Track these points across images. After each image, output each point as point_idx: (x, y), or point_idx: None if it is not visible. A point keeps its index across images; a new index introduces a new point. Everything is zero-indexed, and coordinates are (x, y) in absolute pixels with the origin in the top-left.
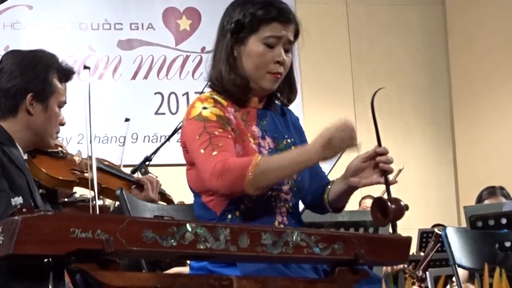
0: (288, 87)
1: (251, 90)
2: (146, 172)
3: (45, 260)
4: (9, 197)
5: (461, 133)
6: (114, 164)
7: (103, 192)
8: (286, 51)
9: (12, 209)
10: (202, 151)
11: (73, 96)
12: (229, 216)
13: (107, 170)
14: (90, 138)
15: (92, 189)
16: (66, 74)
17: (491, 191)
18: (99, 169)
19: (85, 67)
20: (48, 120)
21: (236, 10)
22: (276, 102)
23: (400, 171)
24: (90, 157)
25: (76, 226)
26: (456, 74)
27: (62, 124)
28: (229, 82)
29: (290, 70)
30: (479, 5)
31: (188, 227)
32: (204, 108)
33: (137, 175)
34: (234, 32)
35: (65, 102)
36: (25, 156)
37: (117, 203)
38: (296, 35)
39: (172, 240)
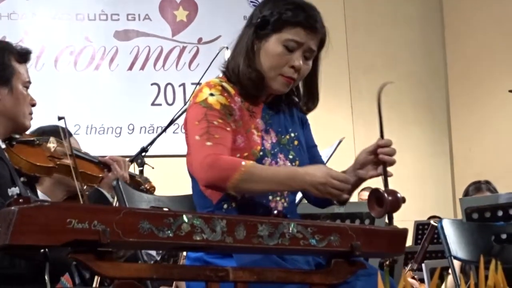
0: (308, 96)
1: (265, 87)
2: (142, 163)
3: (41, 250)
4: None
5: (457, 124)
6: (80, 149)
7: (83, 176)
8: (306, 58)
9: (9, 199)
10: (197, 137)
11: (70, 88)
12: (225, 206)
13: (82, 156)
14: (65, 125)
15: (73, 175)
16: (22, 54)
17: (477, 186)
18: (76, 157)
19: (60, 118)
20: (17, 101)
21: (267, 5)
22: (288, 105)
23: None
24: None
25: (73, 216)
26: (453, 65)
27: (33, 105)
28: (245, 76)
29: (312, 80)
30: None
31: (185, 218)
32: (211, 94)
33: (134, 166)
34: (258, 27)
35: (29, 82)
36: (3, 145)
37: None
38: (321, 45)
39: (169, 231)
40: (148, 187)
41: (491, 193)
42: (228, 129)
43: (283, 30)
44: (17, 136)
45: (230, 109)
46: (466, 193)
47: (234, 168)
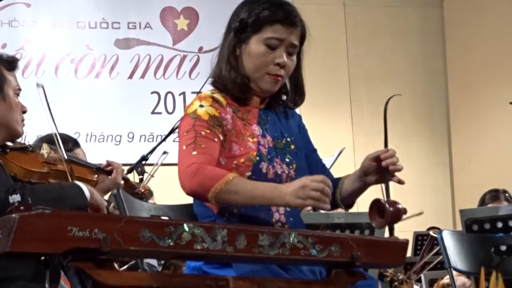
0: (295, 91)
1: (251, 90)
2: (142, 172)
3: (42, 258)
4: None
5: (457, 135)
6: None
7: (78, 181)
8: (290, 54)
9: (10, 206)
10: (184, 147)
11: (70, 96)
12: (226, 215)
13: (75, 160)
14: (56, 129)
15: (68, 178)
16: (10, 62)
17: (494, 195)
18: (69, 161)
19: (39, 86)
20: (9, 108)
21: (243, 9)
22: (280, 104)
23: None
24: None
25: (74, 224)
26: (453, 77)
27: (24, 112)
28: (229, 81)
29: (297, 74)
30: (477, 9)
31: (186, 227)
32: (201, 106)
33: (134, 174)
34: (237, 31)
35: (19, 89)
36: None
37: None
38: (302, 40)
39: (169, 240)
40: (143, 190)
41: (508, 202)
42: (216, 139)
43: (263, 30)
44: (10, 144)
45: (219, 120)
46: (483, 201)
47: (218, 177)
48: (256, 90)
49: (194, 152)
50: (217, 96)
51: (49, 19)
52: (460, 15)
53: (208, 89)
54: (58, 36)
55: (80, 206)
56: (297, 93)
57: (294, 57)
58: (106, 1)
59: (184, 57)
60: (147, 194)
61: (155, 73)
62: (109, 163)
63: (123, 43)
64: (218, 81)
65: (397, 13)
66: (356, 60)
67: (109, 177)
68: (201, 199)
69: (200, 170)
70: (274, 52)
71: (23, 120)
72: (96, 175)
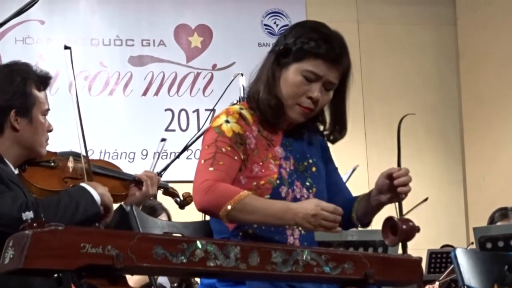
0: (335, 126)
1: (284, 115)
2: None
3: (55, 275)
4: (12, 194)
5: (471, 153)
6: (108, 163)
7: None
8: (327, 89)
9: (23, 223)
10: (202, 161)
11: (84, 113)
12: (241, 233)
13: (102, 173)
14: (84, 141)
15: None
16: (43, 81)
17: (504, 213)
18: (94, 173)
19: (66, 47)
20: (35, 131)
21: (291, 33)
22: (310, 132)
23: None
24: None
25: (87, 241)
26: (467, 94)
27: (50, 131)
28: (265, 102)
29: (339, 109)
30: (491, 26)
31: (199, 244)
32: (227, 121)
33: None
34: (280, 55)
35: (48, 109)
36: (16, 171)
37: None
38: (344, 77)
39: (182, 257)
40: (185, 196)
41: None
42: (235, 158)
43: (304, 60)
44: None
45: (243, 138)
46: (492, 219)
47: (230, 195)
48: (285, 115)
49: (211, 168)
50: (245, 112)
51: (63, 36)
52: (474, 33)
53: (224, 106)
54: (72, 53)
55: (93, 215)
56: (338, 128)
57: (331, 93)
58: (120, 18)
59: (198, 74)
60: (190, 201)
61: (168, 90)
62: (148, 176)
63: (137, 60)
64: (252, 100)
65: (411, 31)
66: (370, 77)
67: (141, 190)
68: (213, 217)
69: (213, 188)
70: (310, 85)
71: (47, 140)
72: (127, 189)
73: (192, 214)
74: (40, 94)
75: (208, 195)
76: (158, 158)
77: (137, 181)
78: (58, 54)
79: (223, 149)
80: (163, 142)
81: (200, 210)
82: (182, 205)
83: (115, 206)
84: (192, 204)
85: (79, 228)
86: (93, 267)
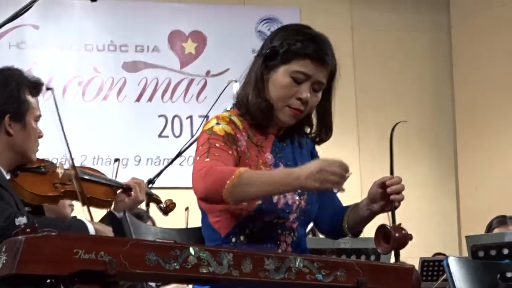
0: (321, 127)
1: (273, 117)
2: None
3: (48, 280)
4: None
5: (464, 162)
6: (96, 170)
7: (90, 201)
8: (315, 90)
9: (16, 228)
10: (198, 158)
11: (77, 118)
12: (233, 240)
13: (91, 179)
14: (69, 152)
15: (79, 199)
16: (36, 87)
17: (502, 220)
18: (82, 179)
19: (48, 89)
20: (28, 137)
21: (277, 36)
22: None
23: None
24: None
25: (80, 247)
26: (461, 103)
27: (40, 137)
28: (254, 106)
29: (325, 110)
30: (485, 35)
31: (191, 250)
32: (217, 123)
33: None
34: (267, 58)
35: (40, 116)
36: (7, 176)
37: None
38: (332, 77)
39: (175, 263)
40: (168, 203)
41: None
42: (230, 152)
43: (292, 62)
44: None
45: (234, 138)
46: (490, 226)
47: (229, 174)
48: (275, 118)
49: (207, 159)
50: (234, 118)
51: (57, 41)
52: (468, 40)
53: (217, 112)
54: (66, 58)
55: None
56: (324, 130)
57: (319, 94)
58: (114, 24)
59: (192, 80)
60: (172, 208)
61: (162, 96)
62: (136, 182)
63: (130, 66)
64: (241, 104)
65: (405, 38)
66: (363, 84)
67: (129, 196)
68: (216, 201)
69: (211, 171)
70: (298, 86)
71: (38, 146)
72: (114, 195)
73: (175, 222)
74: (33, 100)
75: (207, 179)
76: (115, 178)
77: (125, 188)
78: (52, 59)
79: (217, 145)
80: (116, 163)
81: (202, 198)
82: (165, 211)
83: (104, 212)
84: (175, 212)
85: (72, 234)
86: (86, 273)
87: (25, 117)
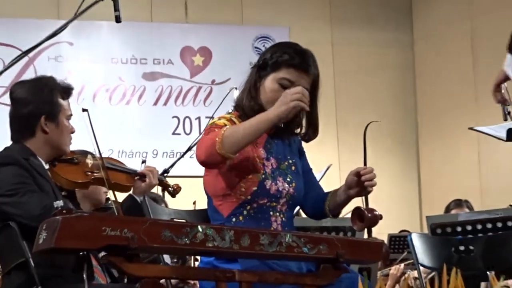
0: (309, 128)
1: None
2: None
3: (81, 253)
4: (40, 195)
5: (425, 154)
6: (117, 161)
7: (114, 186)
8: None
9: (54, 210)
10: (200, 137)
11: (105, 119)
12: (234, 220)
13: (114, 168)
14: (98, 146)
15: (106, 185)
16: (66, 91)
17: (458, 203)
18: (108, 168)
19: (84, 110)
20: (61, 133)
21: (270, 50)
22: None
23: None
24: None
25: (107, 225)
26: (422, 107)
27: (72, 132)
28: (248, 108)
29: (311, 114)
30: (443, 50)
31: (199, 228)
32: (219, 119)
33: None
34: (260, 68)
35: (71, 115)
36: (46, 166)
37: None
38: (316, 86)
39: (186, 239)
40: (175, 187)
41: (469, 209)
42: None
43: (279, 70)
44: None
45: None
46: (448, 208)
47: (215, 135)
48: None
49: (207, 136)
50: (234, 119)
51: (88, 55)
52: (428, 54)
53: (221, 114)
54: (95, 69)
55: None
56: (311, 130)
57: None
58: (136, 41)
59: (200, 88)
60: (178, 191)
61: (175, 101)
62: (149, 169)
63: (149, 76)
64: (239, 106)
65: (376, 52)
66: (342, 91)
67: (145, 181)
68: (216, 160)
69: (203, 140)
70: (284, 91)
71: (70, 140)
72: (133, 181)
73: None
74: (64, 102)
75: (202, 146)
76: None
77: (141, 175)
78: (84, 70)
79: (216, 130)
80: (143, 164)
81: (203, 161)
82: (173, 194)
83: (124, 195)
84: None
85: (101, 214)
86: (112, 247)
87: (58, 117)
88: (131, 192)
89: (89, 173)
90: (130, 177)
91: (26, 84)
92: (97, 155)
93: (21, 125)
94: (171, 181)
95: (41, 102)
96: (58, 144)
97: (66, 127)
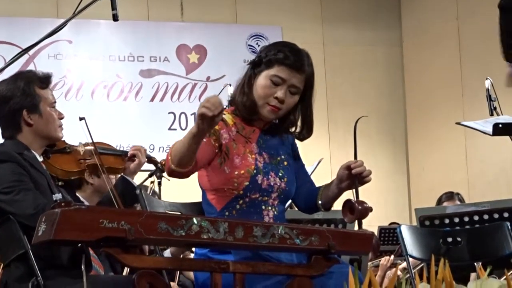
0: (303, 126)
1: (257, 113)
2: (160, 176)
3: (79, 245)
4: (35, 194)
5: (413, 149)
6: (107, 144)
7: (108, 170)
8: (292, 93)
9: (53, 203)
10: None
11: (103, 115)
12: (226, 213)
13: (104, 152)
14: (86, 125)
15: (101, 171)
16: (44, 81)
17: (449, 195)
18: (99, 153)
19: (81, 119)
20: (47, 122)
21: (266, 48)
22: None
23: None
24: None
25: (105, 217)
26: (411, 103)
27: (61, 118)
28: (241, 103)
29: (306, 113)
30: (430, 47)
31: (195, 220)
32: None
33: (153, 178)
34: (254, 65)
35: (54, 102)
36: (40, 158)
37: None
38: (309, 86)
39: (181, 231)
40: (163, 163)
41: (461, 202)
42: (205, 140)
43: (272, 68)
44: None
45: (216, 133)
46: (440, 200)
47: (168, 153)
48: (260, 114)
49: None
50: (226, 116)
51: (87, 53)
52: (416, 52)
53: None
54: (94, 67)
55: None
56: (306, 128)
57: (296, 96)
58: (133, 39)
59: (195, 84)
60: None
61: (171, 97)
62: (137, 148)
63: (146, 73)
64: (233, 102)
65: (366, 51)
66: (333, 88)
67: (134, 161)
68: (176, 173)
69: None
70: (276, 88)
71: (60, 126)
72: (124, 162)
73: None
74: (44, 92)
75: (166, 164)
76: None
77: (130, 156)
78: (82, 67)
79: None
80: (82, 121)
81: (169, 175)
82: (162, 170)
83: (117, 177)
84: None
85: (99, 207)
86: (109, 238)
87: (39, 107)
88: (122, 173)
89: (82, 160)
90: (120, 159)
91: (4, 82)
92: (89, 140)
93: (7, 122)
94: (166, 175)
95: (20, 96)
96: (47, 132)
97: (51, 115)
